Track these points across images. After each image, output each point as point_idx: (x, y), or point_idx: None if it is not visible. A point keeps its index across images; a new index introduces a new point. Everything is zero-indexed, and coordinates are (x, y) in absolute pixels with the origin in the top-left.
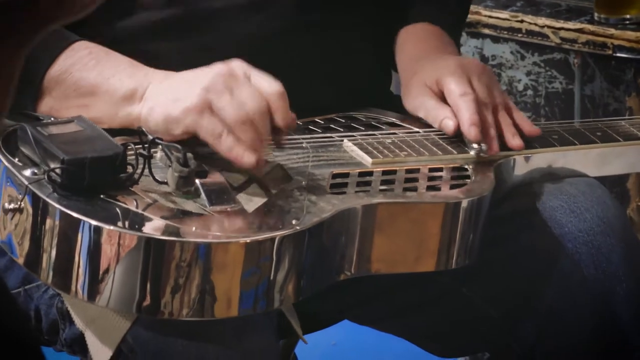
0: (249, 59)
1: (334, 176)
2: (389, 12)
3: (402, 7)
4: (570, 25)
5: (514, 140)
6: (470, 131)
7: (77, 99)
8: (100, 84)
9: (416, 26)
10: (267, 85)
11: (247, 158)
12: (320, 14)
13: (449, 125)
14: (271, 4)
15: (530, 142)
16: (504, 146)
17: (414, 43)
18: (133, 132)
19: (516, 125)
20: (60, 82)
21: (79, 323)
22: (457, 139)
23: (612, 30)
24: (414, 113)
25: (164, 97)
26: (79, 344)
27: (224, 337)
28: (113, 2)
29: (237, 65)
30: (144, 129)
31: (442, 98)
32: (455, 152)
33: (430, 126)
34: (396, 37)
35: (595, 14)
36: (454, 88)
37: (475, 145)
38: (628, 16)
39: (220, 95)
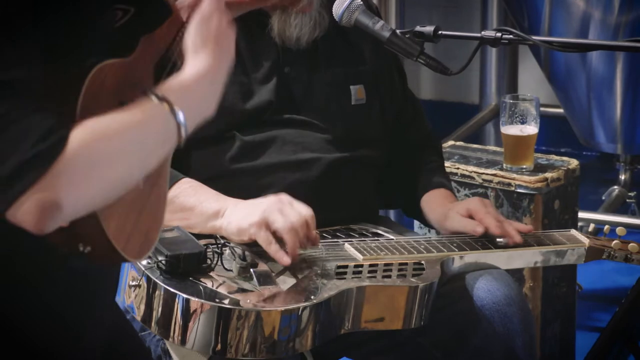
0: (291, 194)
1: (338, 267)
2: (395, 163)
3: (408, 169)
4: (488, 171)
5: (517, 237)
6: (496, 230)
7: (181, 213)
8: (196, 206)
9: (442, 190)
10: (304, 209)
11: (285, 259)
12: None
13: (479, 230)
14: (312, 164)
15: (462, 247)
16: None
17: (444, 198)
18: (208, 236)
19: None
20: (170, 203)
21: (174, 358)
22: (415, 243)
23: (514, 175)
24: (452, 229)
25: (237, 216)
26: None
27: None
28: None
29: (284, 197)
30: (217, 236)
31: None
32: (415, 252)
33: (396, 235)
34: (422, 197)
35: (504, 164)
36: (481, 210)
37: (500, 240)
38: (524, 166)
39: (274, 215)
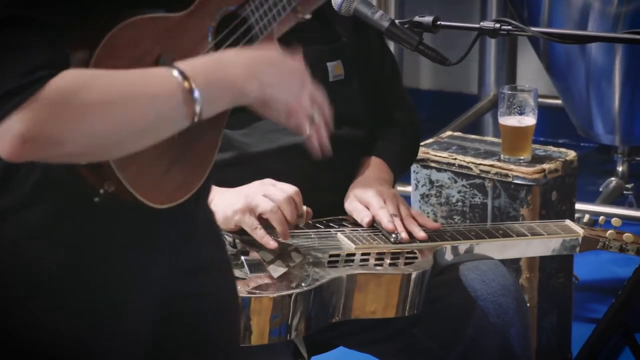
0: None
1: (331, 256)
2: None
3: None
4: (486, 162)
5: (419, 233)
6: (389, 225)
7: None
8: None
9: (371, 158)
10: (288, 187)
11: (271, 244)
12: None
13: (366, 220)
14: (294, 150)
15: (455, 236)
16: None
17: (364, 169)
18: None
19: (422, 225)
20: None
21: None
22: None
23: (512, 166)
24: (346, 209)
25: (222, 205)
26: None
27: (259, 355)
28: None
29: (267, 181)
30: None
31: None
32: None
33: None
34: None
35: (502, 155)
36: (375, 204)
37: (393, 235)
38: (522, 157)
39: (257, 199)
